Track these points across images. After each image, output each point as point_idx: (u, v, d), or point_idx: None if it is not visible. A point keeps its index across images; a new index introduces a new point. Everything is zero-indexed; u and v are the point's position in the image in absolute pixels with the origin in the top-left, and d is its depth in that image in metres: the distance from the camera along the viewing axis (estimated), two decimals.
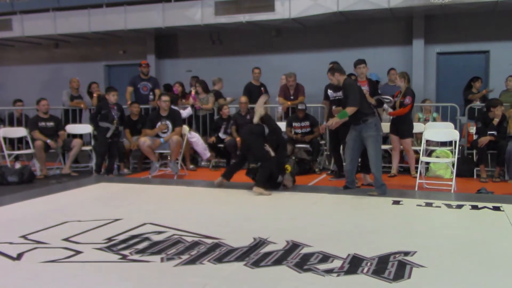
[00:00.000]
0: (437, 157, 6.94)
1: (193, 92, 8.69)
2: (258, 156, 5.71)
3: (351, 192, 5.76)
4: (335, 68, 5.80)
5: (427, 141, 6.82)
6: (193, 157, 8.44)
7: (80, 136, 8.16)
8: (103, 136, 7.46)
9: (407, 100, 6.74)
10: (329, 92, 6.88)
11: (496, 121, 6.80)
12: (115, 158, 7.61)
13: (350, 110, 5.51)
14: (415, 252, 3.38)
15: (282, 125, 8.05)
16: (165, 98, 7.39)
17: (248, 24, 9.96)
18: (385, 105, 6.82)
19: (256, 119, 5.86)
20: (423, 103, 8.22)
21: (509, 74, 8.23)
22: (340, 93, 6.95)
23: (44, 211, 4.87)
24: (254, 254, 3.35)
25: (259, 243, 3.62)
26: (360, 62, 6.80)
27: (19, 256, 3.38)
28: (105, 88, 8.44)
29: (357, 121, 5.59)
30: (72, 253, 3.44)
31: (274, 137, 5.84)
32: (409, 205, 5.07)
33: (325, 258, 3.27)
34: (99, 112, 7.59)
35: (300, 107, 7.65)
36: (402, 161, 7.59)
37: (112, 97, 7.59)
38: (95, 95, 8.92)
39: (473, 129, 7.26)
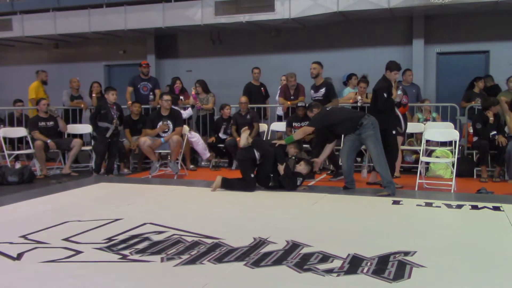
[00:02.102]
0: (437, 157, 6.94)
1: (193, 92, 8.69)
2: (244, 179, 5.85)
3: (351, 192, 5.77)
4: (312, 105, 6.28)
5: (427, 141, 6.82)
6: (193, 157, 8.44)
7: (80, 136, 8.17)
8: (102, 136, 7.46)
9: (404, 99, 6.77)
10: (311, 91, 7.02)
11: (492, 120, 6.79)
12: (115, 158, 7.61)
13: (304, 129, 5.89)
14: (415, 252, 3.38)
15: (282, 125, 8.08)
16: (167, 97, 7.39)
17: (248, 24, 9.96)
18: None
19: (241, 145, 6.01)
20: (422, 103, 8.22)
21: (509, 74, 8.22)
22: (319, 94, 7.05)
23: (44, 211, 4.87)
24: (254, 254, 3.35)
25: (259, 243, 3.62)
26: (398, 67, 6.25)
27: (19, 256, 3.38)
28: (104, 88, 8.45)
29: (354, 129, 5.66)
30: (72, 253, 3.44)
31: (269, 158, 5.82)
32: (409, 205, 5.07)
33: (325, 258, 3.27)
34: (99, 112, 7.59)
35: (300, 104, 7.63)
36: (402, 161, 7.59)
37: (111, 96, 7.59)
38: (94, 94, 8.92)
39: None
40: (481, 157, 6.84)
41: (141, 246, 3.60)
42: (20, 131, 8.12)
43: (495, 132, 6.81)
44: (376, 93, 6.11)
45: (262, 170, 5.86)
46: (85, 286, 2.85)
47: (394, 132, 6.06)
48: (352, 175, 5.88)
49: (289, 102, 8.33)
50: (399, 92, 6.26)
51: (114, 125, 7.51)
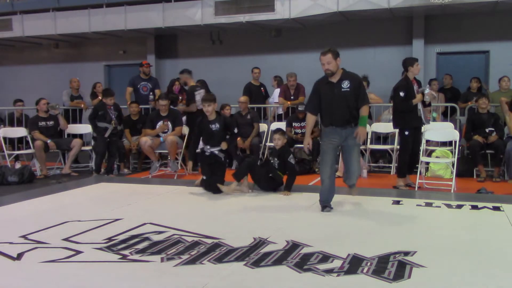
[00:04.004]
0: (437, 157, 6.94)
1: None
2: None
3: (351, 192, 5.74)
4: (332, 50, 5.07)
5: (427, 141, 6.82)
6: None
7: (80, 136, 8.17)
8: (102, 136, 7.47)
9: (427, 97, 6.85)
10: None
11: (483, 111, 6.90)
12: (114, 158, 7.61)
13: (366, 109, 4.84)
14: (415, 252, 3.38)
15: (282, 125, 8.06)
16: (162, 102, 7.37)
17: (248, 24, 9.96)
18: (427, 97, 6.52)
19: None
20: None
21: (509, 74, 8.23)
22: None
23: (44, 211, 4.87)
24: (254, 254, 3.35)
25: (259, 243, 3.62)
26: (416, 59, 6.26)
27: (19, 256, 3.38)
28: (102, 91, 8.43)
29: (348, 124, 4.73)
30: (72, 253, 3.44)
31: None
32: (409, 205, 5.07)
33: (325, 258, 3.27)
34: (97, 113, 7.60)
35: (300, 108, 7.64)
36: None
37: (109, 101, 7.62)
38: (99, 95, 8.90)
39: None
40: (473, 156, 6.85)
41: (141, 246, 3.60)
42: (20, 131, 8.12)
43: (491, 129, 6.84)
44: (394, 92, 6.05)
45: (257, 175, 5.88)
46: (85, 286, 2.85)
47: (406, 132, 6.00)
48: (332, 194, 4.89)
49: (289, 102, 8.33)
50: (427, 90, 6.13)
51: (113, 125, 7.52)
